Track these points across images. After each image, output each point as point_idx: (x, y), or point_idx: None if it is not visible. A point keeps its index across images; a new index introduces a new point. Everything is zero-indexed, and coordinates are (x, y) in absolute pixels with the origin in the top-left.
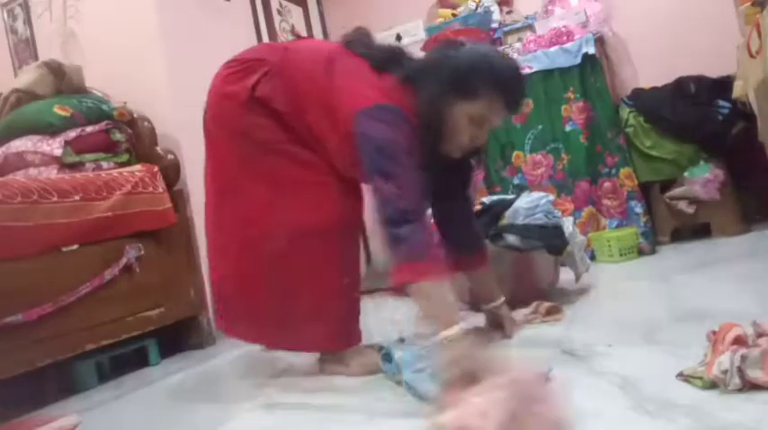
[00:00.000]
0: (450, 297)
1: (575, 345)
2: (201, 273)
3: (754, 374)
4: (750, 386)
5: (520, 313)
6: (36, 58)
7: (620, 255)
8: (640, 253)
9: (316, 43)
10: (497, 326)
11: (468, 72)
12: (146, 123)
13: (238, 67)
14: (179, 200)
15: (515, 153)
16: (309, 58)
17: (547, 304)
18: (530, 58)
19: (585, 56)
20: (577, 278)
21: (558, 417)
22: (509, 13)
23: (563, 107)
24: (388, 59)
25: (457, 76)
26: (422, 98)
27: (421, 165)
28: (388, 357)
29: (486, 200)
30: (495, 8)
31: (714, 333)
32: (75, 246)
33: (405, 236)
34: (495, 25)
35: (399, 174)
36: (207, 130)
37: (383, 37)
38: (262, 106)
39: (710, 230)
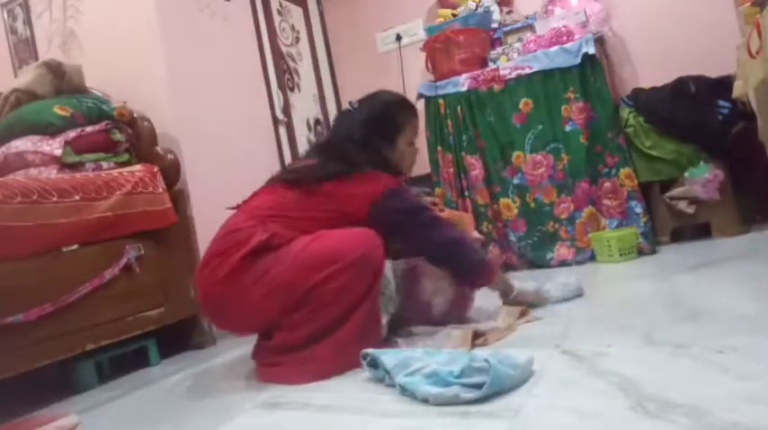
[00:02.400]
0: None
1: (575, 345)
2: None
3: None
4: None
5: (489, 325)
6: (36, 58)
7: (620, 255)
8: (640, 253)
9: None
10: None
11: (386, 117)
12: (146, 123)
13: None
14: (179, 199)
15: (515, 153)
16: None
17: (517, 309)
18: (530, 58)
19: (585, 56)
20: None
21: None
22: (509, 13)
23: (563, 107)
24: (337, 168)
25: (382, 125)
26: (382, 155)
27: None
28: (374, 363)
29: None
30: (495, 8)
31: None
32: (75, 246)
33: (466, 252)
34: (495, 25)
35: (430, 218)
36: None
37: (383, 37)
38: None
39: (710, 230)
